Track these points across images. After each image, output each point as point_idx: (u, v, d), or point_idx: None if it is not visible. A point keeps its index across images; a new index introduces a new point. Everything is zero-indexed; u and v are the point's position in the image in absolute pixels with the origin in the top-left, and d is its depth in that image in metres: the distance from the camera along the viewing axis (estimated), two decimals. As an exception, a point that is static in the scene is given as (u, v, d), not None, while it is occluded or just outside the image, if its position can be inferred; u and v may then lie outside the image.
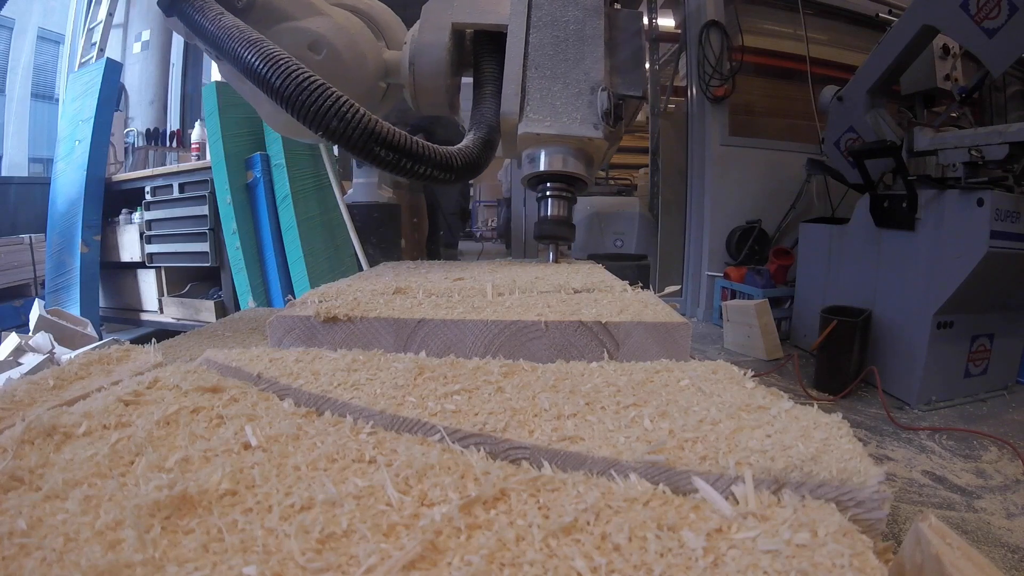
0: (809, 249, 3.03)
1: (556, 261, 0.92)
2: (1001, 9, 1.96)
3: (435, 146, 0.72)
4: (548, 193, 0.86)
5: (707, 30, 3.60)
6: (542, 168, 0.83)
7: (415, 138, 0.70)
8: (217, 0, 0.73)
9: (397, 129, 0.68)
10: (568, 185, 0.86)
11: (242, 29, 0.68)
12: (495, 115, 0.82)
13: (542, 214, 0.87)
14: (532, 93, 0.80)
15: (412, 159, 0.69)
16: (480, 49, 0.88)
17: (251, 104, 0.92)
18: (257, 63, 0.64)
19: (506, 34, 0.84)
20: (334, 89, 0.65)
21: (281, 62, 0.64)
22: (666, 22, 4.24)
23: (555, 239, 0.89)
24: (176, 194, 2.85)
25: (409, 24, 0.95)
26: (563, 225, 0.87)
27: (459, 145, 0.79)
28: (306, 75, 0.64)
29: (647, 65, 0.79)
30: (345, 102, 0.65)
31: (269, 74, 0.64)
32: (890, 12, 3.66)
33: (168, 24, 0.77)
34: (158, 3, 0.73)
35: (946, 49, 2.46)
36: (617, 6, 0.91)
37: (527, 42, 0.82)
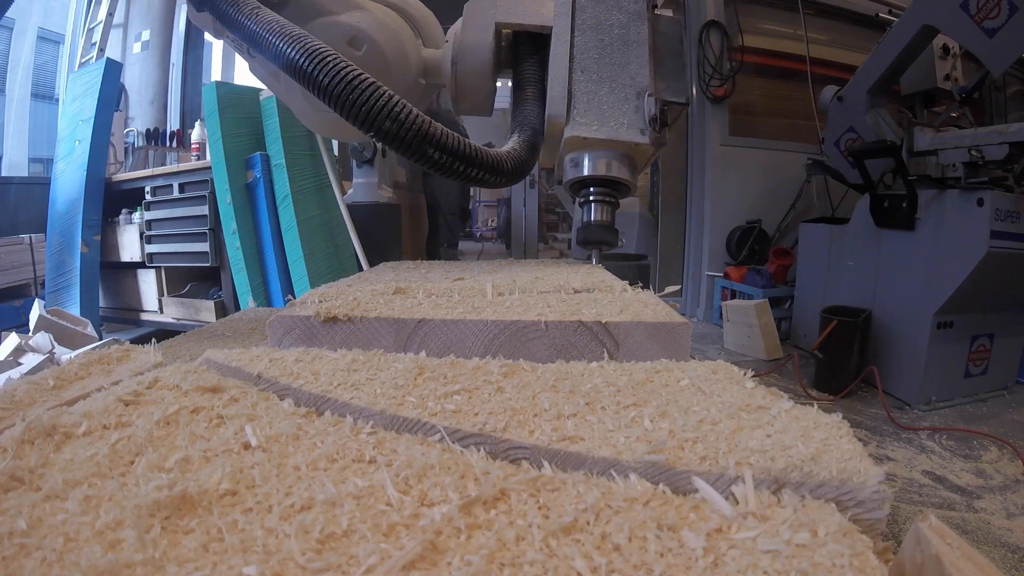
0: (809, 249, 3.03)
1: (599, 260, 0.91)
2: (1001, 9, 1.96)
3: (485, 149, 0.71)
4: (592, 198, 0.85)
5: (707, 30, 3.60)
6: (587, 172, 0.82)
7: (467, 140, 0.68)
8: None
9: (449, 131, 0.66)
10: (612, 190, 0.84)
11: (282, 23, 0.65)
12: (539, 118, 0.80)
13: (585, 219, 0.86)
14: (579, 96, 0.79)
15: (464, 162, 0.67)
16: (521, 50, 0.87)
17: (285, 102, 0.89)
18: (302, 60, 0.61)
19: (547, 36, 0.83)
20: (385, 88, 0.62)
21: (328, 58, 0.61)
22: (666, 22, 4.24)
23: (600, 244, 0.87)
24: (176, 194, 2.85)
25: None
26: (607, 230, 0.86)
27: (507, 147, 0.78)
28: (355, 72, 0.62)
29: (688, 71, 0.81)
30: (398, 102, 0.62)
31: (316, 71, 0.61)
32: (890, 12, 3.66)
33: (194, 20, 0.74)
34: None
35: (946, 49, 2.46)
36: (658, 12, 0.90)
37: (572, 44, 0.81)
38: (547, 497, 0.29)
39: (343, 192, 2.69)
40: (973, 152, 2.06)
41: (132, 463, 0.32)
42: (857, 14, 3.90)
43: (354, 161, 2.71)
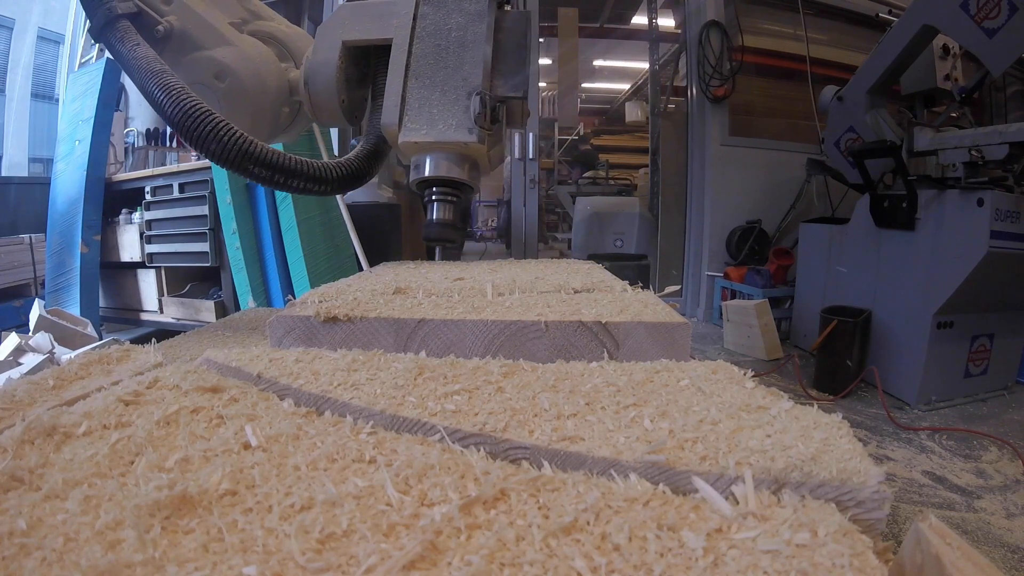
0: (809, 249, 3.03)
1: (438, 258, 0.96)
2: (1001, 9, 1.96)
3: (310, 161, 0.79)
4: (434, 197, 0.88)
5: (707, 30, 3.60)
6: (425, 174, 0.86)
7: (291, 156, 0.77)
8: (139, 29, 0.80)
9: (274, 149, 0.75)
10: (453, 189, 0.88)
11: (149, 60, 0.76)
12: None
13: (428, 218, 0.90)
14: (411, 103, 0.83)
15: (284, 174, 0.76)
16: (378, 64, 0.93)
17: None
18: (156, 91, 0.73)
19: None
20: (215, 115, 0.72)
21: (174, 91, 0.72)
22: (666, 22, 4.24)
23: (441, 242, 0.91)
24: (176, 194, 2.85)
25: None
26: (449, 228, 0.89)
27: (344, 157, 0.86)
28: (193, 103, 0.72)
29: (530, 65, 0.83)
30: (224, 126, 0.72)
31: (164, 102, 0.72)
32: (890, 12, 3.65)
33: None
34: (89, 29, 0.80)
35: (946, 49, 2.46)
36: (508, 7, 0.93)
37: (410, 53, 0.85)
38: (547, 497, 0.29)
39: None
40: (973, 152, 2.06)
41: (132, 463, 0.32)
42: (857, 14, 3.90)
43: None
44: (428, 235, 0.90)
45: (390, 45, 0.88)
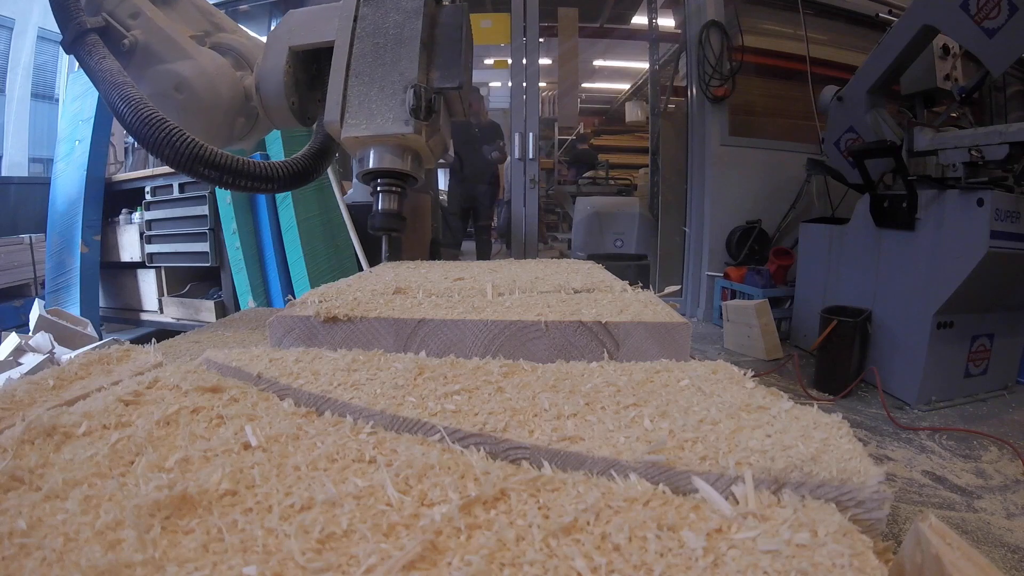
0: (809, 249, 3.03)
1: (389, 253, 1.01)
2: (1001, 9, 1.96)
3: (257, 162, 0.86)
4: (379, 188, 0.93)
5: (707, 30, 3.60)
6: (369, 166, 0.90)
7: (238, 158, 0.83)
8: (107, 43, 0.86)
9: (223, 152, 0.82)
10: (396, 180, 0.92)
11: (113, 72, 0.82)
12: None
13: (373, 209, 0.95)
14: (351, 100, 0.87)
15: (233, 175, 0.83)
16: (323, 66, 0.98)
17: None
18: (117, 102, 0.79)
19: None
20: (168, 122, 0.78)
21: (133, 102, 0.78)
22: (666, 22, 4.24)
23: (387, 231, 0.96)
24: (176, 194, 2.85)
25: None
26: (394, 217, 0.94)
27: (292, 157, 0.93)
28: (149, 112, 0.78)
29: (463, 56, 0.89)
30: (176, 132, 0.78)
31: (124, 111, 0.79)
32: (890, 12, 3.66)
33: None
34: (61, 41, 0.86)
35: (946, 49, 2.46)
36: (446, 2, 0.97)
37: (351, 53, 0.89)
38: (547, 497, 0.29)
39: (343, 192, 2.69)
40: (973, 152, 2.06)
41: (132, 463, 0.32)
42: (857, 14, 3.90)
43: (354, 161, 2.71)
44: (374, 225, 0.94)
45: (331, 48, 0.93)
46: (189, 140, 0.79)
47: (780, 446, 0.32)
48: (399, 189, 0.93)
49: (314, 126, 1.06)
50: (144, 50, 0.93)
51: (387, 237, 1.00)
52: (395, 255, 1.07)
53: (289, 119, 1.00)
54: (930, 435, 1.99)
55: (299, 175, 0.95)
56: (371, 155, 0.89)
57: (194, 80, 0.93)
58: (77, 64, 0.89)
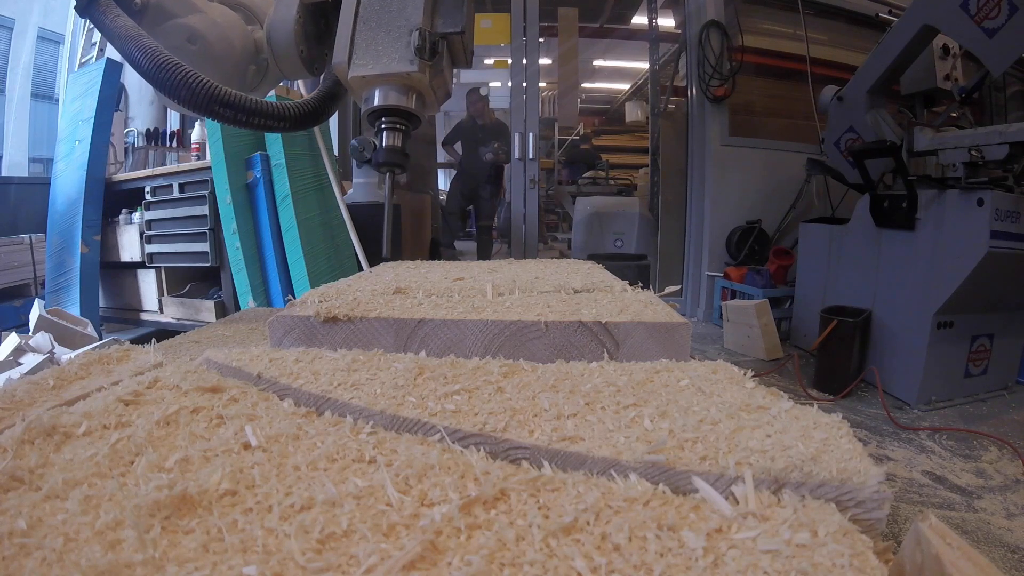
0: (809, 249, 3.03)
1: (391, 194, 1.04)
2: (1001, 9, 1.96)
3: (268, 102, 0.91)
4: (383, 126, 0.96)
5: (707, 30, 3.60)
6: (374, 103, 0.94)
7: (251, 97, 0.88)
8: (119, 3, 0.91)
9: (235, 92, 0.86)
10: (400, 118, 0.96)
11: (128, 28, 0.87)
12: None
13: (378, 146, 0.99)
14: (359, 43, 0.92)
15: (247, 113, 0.88)
16: (333, 21, 1.03)
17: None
18: (135, 52, 0.83)
19: None
20: (184, 66, 0.83)
21: (149, 51, 0.83)
22: (666, 22, 4.24)
23: (392, 166, 0.99)
24: (176, 194, 2.85)
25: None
26: (397, 153, 0.97)
27: (302, 99, 0.98)
28: (166, 58, 0.82)
29: (466, 3, 0.99)
30: (192, 75, 0.82)
31: (140, 60, 0.83)
32: (890, 12, 3.66)
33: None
34: (75, 6, 0.89)
35: (946, 49, 2.46)
36: None
37: (359, 2, 0.95)
38: (547, 497, 0.29)
39: (343, 192, 2.69)
40: (973, 152, 2.06)
41: (132, 463, 0.32)
42: (857, 14, 3.90)
43: (354, 161, 2.71)
44: (378, 160, 0.97)
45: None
46: (205, 81, 0.83)
47: (780, 446, 0.32)
48: (403, 127, 0.97)
49: (321, 77, 1.11)
50: (156, 8, 0.98)
51: (391, 174, 1.02)
52: (396, 254, 1.08)
53: (298, 67, 1.05)
54: (930, 435, 1.99)
55: (309, 115, 1.00)
56: (376, 94, 0.93)
57: (206, 31, 0.99)
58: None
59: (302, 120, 0.99)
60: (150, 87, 0.91)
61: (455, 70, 1.08)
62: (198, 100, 0.84)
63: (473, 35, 1.04)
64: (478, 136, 4.63)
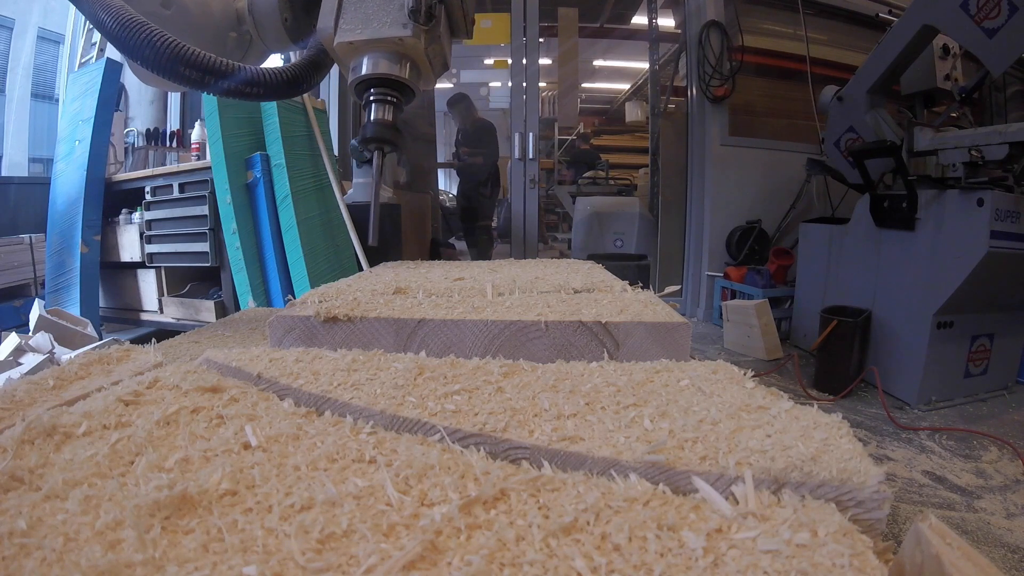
0: (809, 249, 3.03)
1: (380, 172, 0.93)
2: (1001, 9, 1.96)
3: (244, 66, 0.82)
4: (372, 98, 0.86)
5: (707, 30, 3.60)
6: (362, 72, 0.84)
7: (223, 59, 0.80)
8: None
9: (206, 53, 0.78)
10: (391, 90, 0.86)
11: None
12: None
13: (365, 120, 0.88)
14: (347, 8, 0.83)
15: (216, 75, 0.79)
16: None
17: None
18: (100, 13, 0.77)
19: None
20: (150, 24, 0.76)
21: (114, 10, 0.77)
22: (666, 22, 4.24)
23: (379, 142, 0.88)
24: (176, 194, 2.85)
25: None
26: (387, 128, 0.86)
27: (284, 65, 0.89)
28: (129, 16, 0.76)
29: None
30: (157, 33, 0.76)
31: (104, 20, 0.77)
32: (890, 12, 3.66)
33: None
34: None
35: (946, 49, 2.46)
36: None
37: None
38: (547, 497, 0.29)
39: (343, 192, 2.69)
40: (973, 152, 2.06)
41: (132, 463, 0.32)
42: (857, 14, 3.90)
43: (354, 161, 2.71)
44: (365, 135, 0.87)
45: None
46: (169, 39, 0.76)
47: (780, 446, 0.32)
48: (394, 99, 0.86)
49: (308, 45, 1.01)
50: None
51: (380, 152, 0.91)
52: (395, 252, 1.05)
53: (282, 37, 0.98)
54: (930, 435, 1.99)
55: (289, 83, 0.89)
56: (365, 61, 0.83)
57: None
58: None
59: (280, 88, 0.88)
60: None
61: (454, 50, 0.97)
62: (161, 60, 0.75)
63: (474, 2, 0.95)
64: (467, 139, 4.63)
